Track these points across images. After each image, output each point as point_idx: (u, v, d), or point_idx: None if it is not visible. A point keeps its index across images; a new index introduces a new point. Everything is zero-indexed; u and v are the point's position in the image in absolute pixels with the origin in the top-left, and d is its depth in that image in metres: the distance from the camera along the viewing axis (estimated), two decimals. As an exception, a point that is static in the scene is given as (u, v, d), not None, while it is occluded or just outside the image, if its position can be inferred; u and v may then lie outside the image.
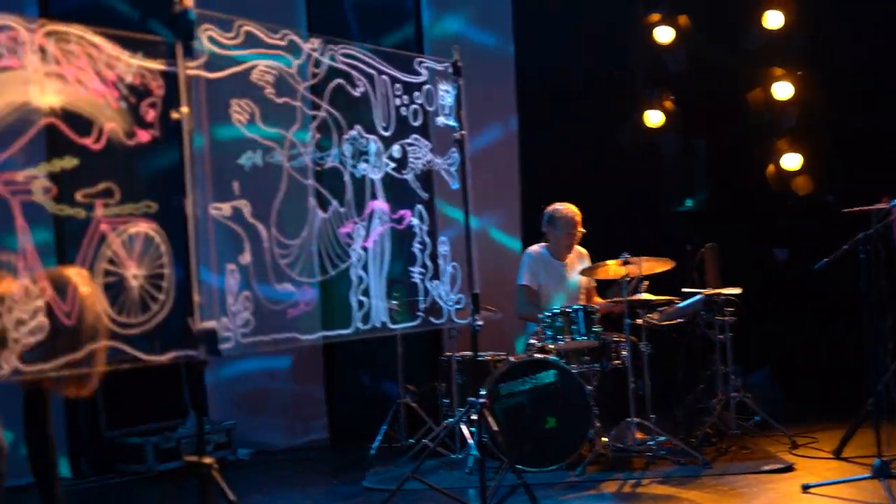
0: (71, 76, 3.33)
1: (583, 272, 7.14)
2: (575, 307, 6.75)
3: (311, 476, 7.05)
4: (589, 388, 6.47)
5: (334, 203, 4.42)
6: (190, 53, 3.58)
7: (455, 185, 5.18)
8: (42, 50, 3.26)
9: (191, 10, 3.54)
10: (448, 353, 7.07)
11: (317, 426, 8.13)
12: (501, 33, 8.61)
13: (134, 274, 3.53)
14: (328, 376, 8.22)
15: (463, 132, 5.16)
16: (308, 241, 4.28)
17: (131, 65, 3.49)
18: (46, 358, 3.36)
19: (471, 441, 6.34)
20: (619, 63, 8.96)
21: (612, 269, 6.72)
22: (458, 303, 5.18)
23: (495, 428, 5.36)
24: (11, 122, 3.21)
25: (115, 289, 3.51)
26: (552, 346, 6.67)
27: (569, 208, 7.19)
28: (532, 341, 6.92)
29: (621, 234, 7.21)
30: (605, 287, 7.43)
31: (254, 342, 3.92)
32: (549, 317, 6.74)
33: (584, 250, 7.36)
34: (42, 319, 3.32)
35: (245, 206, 3.91)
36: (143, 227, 3.56)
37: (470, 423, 6.27)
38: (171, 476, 6.79)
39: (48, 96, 3.28)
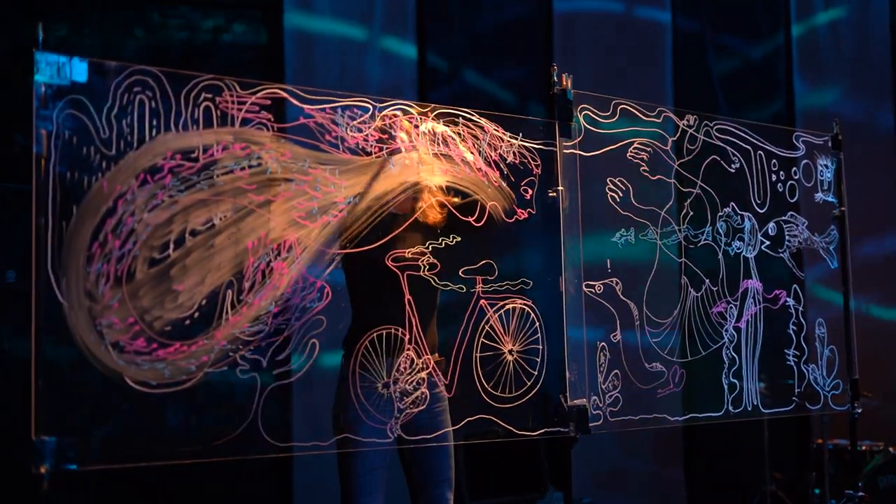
0: (457, 156, 3.48)
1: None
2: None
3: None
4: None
5: (707, 282, 4.32)
6: (567, 133, 3.65)
7: (834, 265, 4.92)
8: (432, 131, 3.42)
9: (569, 91, 3.60)
10: (819, 441, 6.68)
11: (673, 509, 7.94)
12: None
13: (510, 349, 3.60)
14: (688, 457, 8.00)
15: (843, 209, 4.90)
16: (679, 319, 4.20)
17: (512, 145, 3.59)
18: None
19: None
20: None
21: None
22: (835, 388, 4.89)
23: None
24: (402, 201, 3.39)
25: (491, 363, 3.59)
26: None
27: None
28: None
29: None
30: None
31: (622, 421, 3.89)
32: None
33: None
34: (423, 391, 3.45)
35: (617, 284, 3.91)
36: (519, 304, 3.63)
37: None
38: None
39: (436, 176, 3.44)
